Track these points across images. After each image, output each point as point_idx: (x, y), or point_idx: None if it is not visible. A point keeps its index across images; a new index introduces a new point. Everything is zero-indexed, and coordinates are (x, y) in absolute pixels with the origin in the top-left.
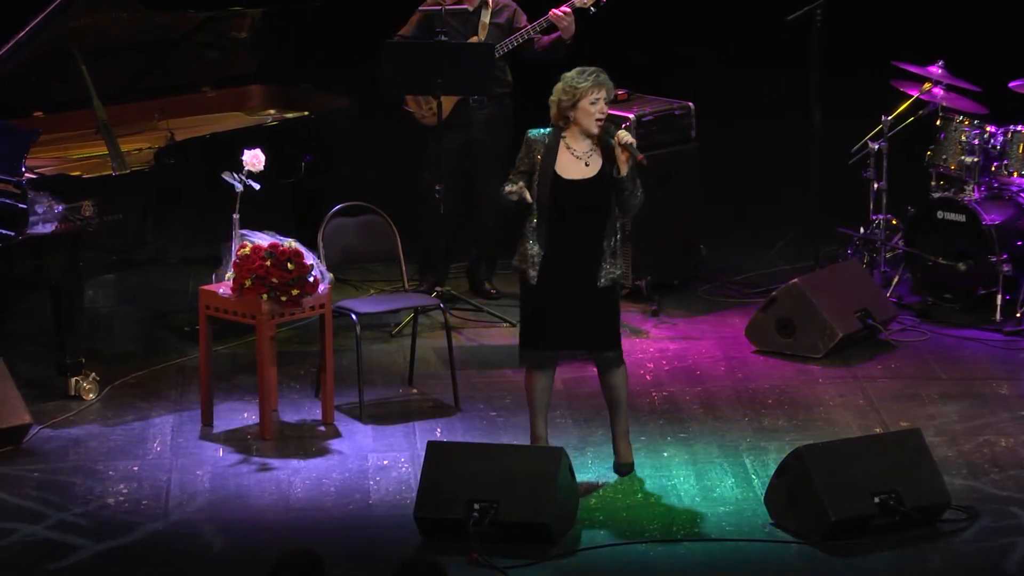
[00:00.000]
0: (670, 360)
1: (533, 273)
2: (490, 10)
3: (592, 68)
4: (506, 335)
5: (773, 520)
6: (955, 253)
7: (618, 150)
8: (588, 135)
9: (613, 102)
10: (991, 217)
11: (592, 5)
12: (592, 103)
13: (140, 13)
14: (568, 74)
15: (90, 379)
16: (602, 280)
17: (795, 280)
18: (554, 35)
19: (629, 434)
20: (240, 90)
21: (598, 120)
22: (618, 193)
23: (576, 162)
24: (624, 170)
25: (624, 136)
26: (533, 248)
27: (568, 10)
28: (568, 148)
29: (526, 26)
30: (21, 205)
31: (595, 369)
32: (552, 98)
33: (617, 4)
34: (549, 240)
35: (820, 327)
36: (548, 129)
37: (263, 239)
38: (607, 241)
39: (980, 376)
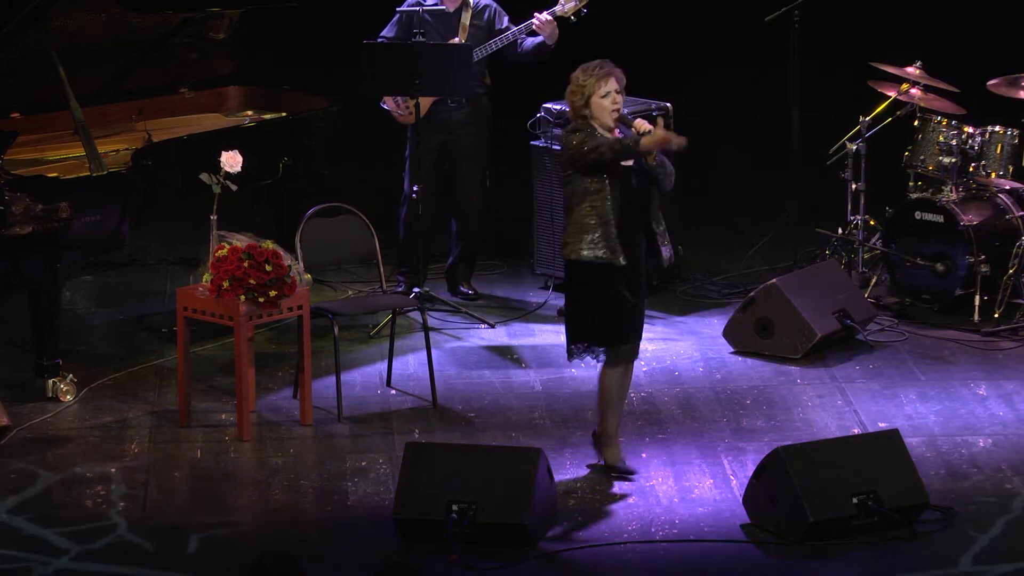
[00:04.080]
0: (648, 361)
1: (622, 258)
2: (471, 12)
3: (596, 62)
4: (484, 336)
5: (752, 521)
6: (933, 254)
7: (644, 140)
8: (607, 129)
9: None
10: (968, 218)
11: (573, 14)
12: (603, 96)
13: (118, 14)
14: (575, 74)
15: (68, 381)
16: (667, 261)
17: (773, 281)
18: (537, 39)
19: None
20: (218, 91)
21: (613, 112)
22: (652, 178)
23: None
24: (652, 159)
25: (642, 125)
26: (611, 232)
27: (549, 18)
28: None
29: (508, 27)
30: None
31: (574, 369)
32: (566, 99)
33: (596, 3)
34: (620, 223)
35: (798, 328)
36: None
37: (241, 240)
38: (657, 223)
39: (958, 377)
